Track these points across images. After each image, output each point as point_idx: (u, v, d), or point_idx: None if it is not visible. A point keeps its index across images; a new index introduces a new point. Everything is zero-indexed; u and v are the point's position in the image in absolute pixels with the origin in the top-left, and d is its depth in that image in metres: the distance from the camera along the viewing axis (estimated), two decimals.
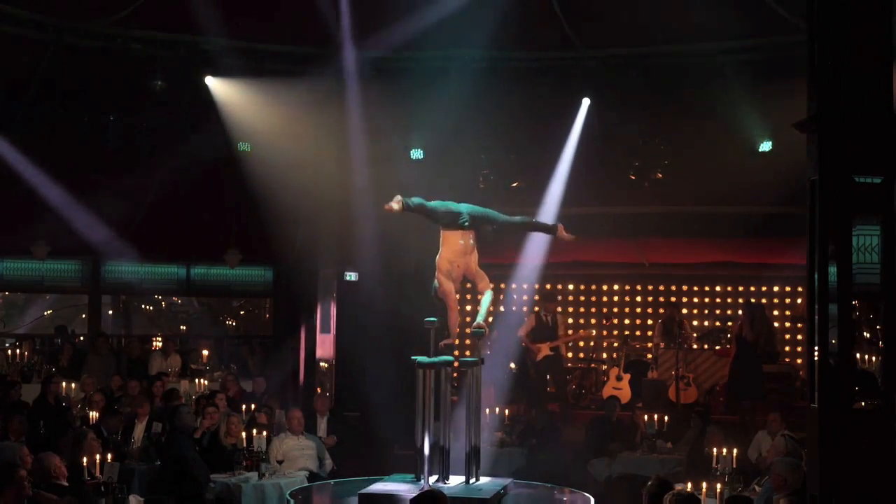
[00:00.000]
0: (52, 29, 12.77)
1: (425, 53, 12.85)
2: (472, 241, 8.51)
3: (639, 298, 16.64)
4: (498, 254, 14.70)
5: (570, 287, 16.73)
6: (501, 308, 15.86)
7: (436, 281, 8.43)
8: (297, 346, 15.61)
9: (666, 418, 12.10)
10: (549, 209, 14.11)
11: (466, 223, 8.43)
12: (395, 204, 8.29)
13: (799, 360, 15.16)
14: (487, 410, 12.14)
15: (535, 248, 14.26)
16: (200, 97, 13.84)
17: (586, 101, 13.66)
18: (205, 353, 15.71)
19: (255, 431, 10.06)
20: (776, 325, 15.53)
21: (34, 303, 20.50)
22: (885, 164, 5.98)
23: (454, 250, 8.46)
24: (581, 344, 16.36)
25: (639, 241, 15.57)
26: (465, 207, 8.52)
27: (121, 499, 8.01)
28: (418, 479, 8.03)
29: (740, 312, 15.10)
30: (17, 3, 12.36)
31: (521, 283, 15.51)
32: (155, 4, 12.53)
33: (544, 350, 14.37)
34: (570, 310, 16.64)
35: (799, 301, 15.61)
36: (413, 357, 8.19)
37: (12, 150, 13.70)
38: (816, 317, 5.96)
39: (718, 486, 8.18)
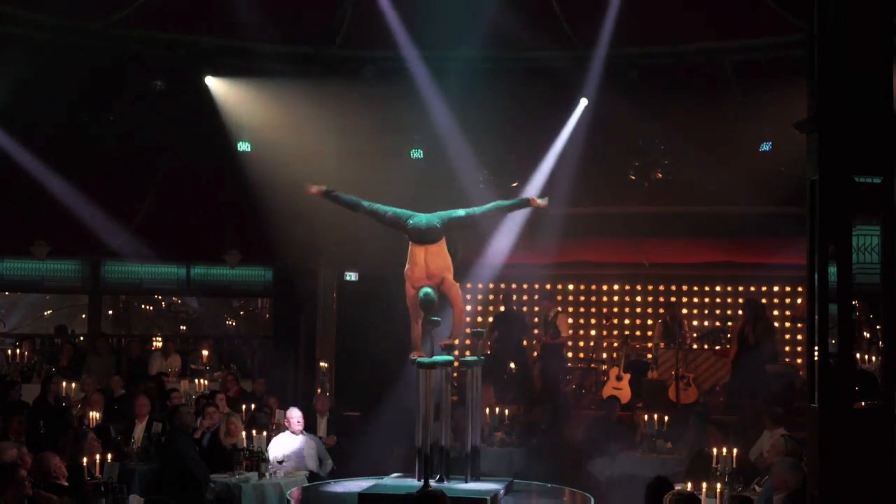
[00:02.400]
0: (52, 29, 12.77)
1: (425, 53, 12.84)
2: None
3: (639, 298, 16.63)
4: (491, 254, 14.75)
5: (570, 287, 16.72)
6: (502, 308, 15.88)
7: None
8: (297, 346, 15.62)
9: (666, 418, 12.10)
10: (549, 209, 14.10)
11: (433, 234, 8.37)
12: (316, 190, 8.68)
13: (799, 360, 15.16)
14: (487, 410, 12.15)
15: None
16: (200, 97, 13.83)
17: (584, 101, 13.67)
18: (205, 353, 15.71)
19: (254, 431, 10.07)
20: (776, 325, 15.54)
21: (21, 303, 20.51)
22: (885, 164, 5.97)
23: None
24: (581, 344, 16.39)
25: (639, 241, 15.58)
26: (424, 218, 8.42)
27: (121, 499, 8.01)
28: (418, 479, 8.03)
29: (740, 312, 15.11)
30: (17, 3, 12.35)
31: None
32: (155, 4, 12.51)
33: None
34: (571, 310, 16.65)
35: (799, 301, 15.61)
36: (413, 357, 8.19)
37: (12, 151, 13.68)
38: (816, 317, 5.96)
39: (718, 486, 8.18)
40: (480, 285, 15.78)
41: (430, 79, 12.99)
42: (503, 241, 14.27)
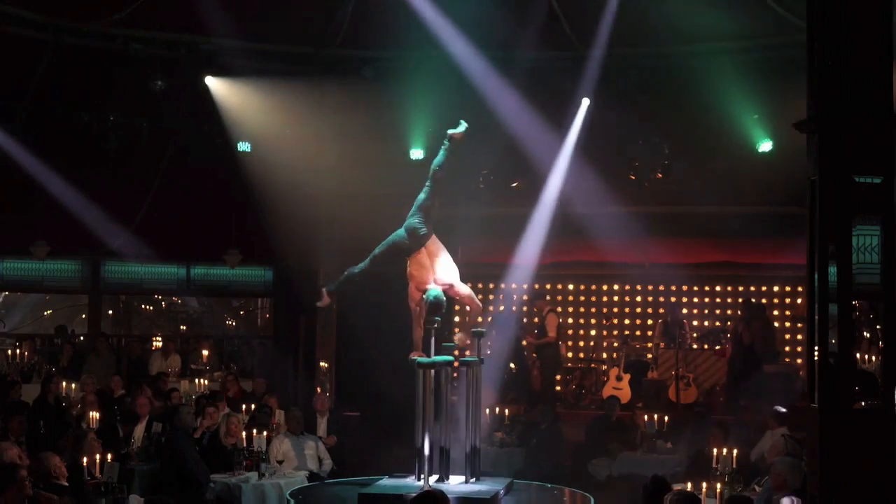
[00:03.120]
0: (52, 29, 12.77)
1: (425, 53, 12.85)
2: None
3: (639, 298, 16.63)
4: (491, 254, 14.74)
5: (570, 287, 16.72)
6: (501, 308, 15.88)
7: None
8: (297, 346, 15.61)
9: (666, 418, 12.10)
10: (548, 209, 14.13)
11: (421, 234, 8.40)
12: (326, 299, 8.91)
13: (799, 360, 15.16)
14: (487, 410, 12.15)
15: (531, 248, 14.29)
16: (200, 97, 13.83)
17: (586, 101, 13.67)
18: (205, 353, 15.71)
19: (255, 431, 10.07)
20: (776, 325, 15.54)
21: (27, 302, 20.51)
22: (885, 164, 5.98)
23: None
24: (581, 344, 16.40)
25: (639, 241, 15.56)
26: (402, 230, 8.48)
27: (121, 499, 8.01)
28: (418, 479, 8.03)
29: (739, 312, 15.13)
30: (16, 3, 12.35)
31: (510, 283, 15.54)
32: (155, 4, 12.52)
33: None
34: (570, 310, 16.65)
35: (799, 301, 15.61)
36: (413, 357, 8.18)
37: (12, 151, 13.69)
38: (816, 317, 5.96)
39: (718, 486, 8.18)
40: (480, 285, 15.79)
41: (429, 78, 12.98)
42: (509, 242, 14.29)
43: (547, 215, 14.16)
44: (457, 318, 14.56)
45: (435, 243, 8.45)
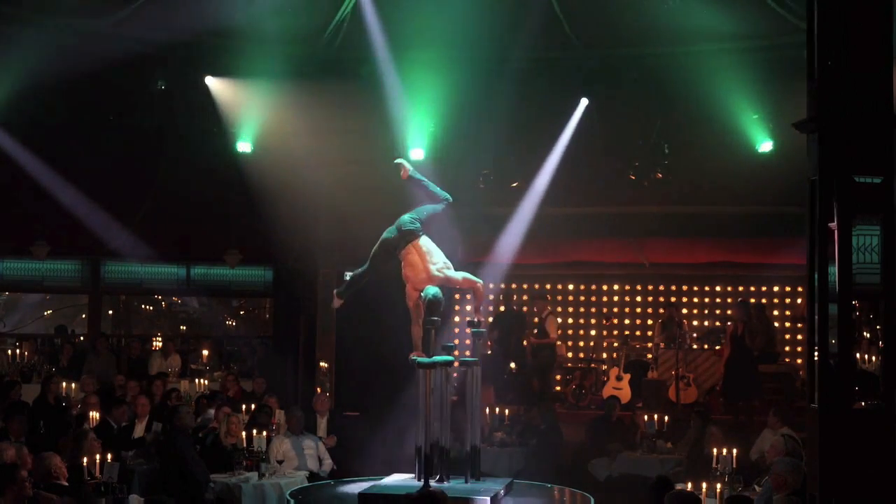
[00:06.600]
0: (52, 29, 12.76)
1: (425, 53, 12.84)
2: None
3: (639, 298, 16.64)
4: (492, 254, 14.74)
5: (570, 287, 16.73)
6: (502, 308, 15.87)
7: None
8: (297, 346, 15.62)
9: (666, 418, 12.10)
10: (549, 209, 14.13)
11: (406, 229, 8.41)
12: (337, 301, 8.87)
13: (799, 360, 15.17)
14: (487, 410, 12.16)
15: (532, 248, 14.30)
16: (200, 97, 13.83)
17: (585, 101, 13.66)
18: (205, 353, 15.71)
19: (255, 431, 10.07)
20: (776, 325, 15.54)
21: (33, 303, 20.51)
22: (885, 164, 5.98)
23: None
24: (581, 344, 16.40)
25: (639, 241, 15.58)
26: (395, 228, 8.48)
27: (121, 499, 8.01)
28: (418, 479, 8.03)
29: (729, 312, 15.17)
30: (17, 3, 12.35)
31: (510, 283, 15.55)
32: (155, 4, 12.51)
33: None
34: (570, 310, 16.66)
35: (799, 301, 15.62)
36: (413, 357, 8.18)
37: (12, 150, 13.68)
38: (816, 317, 5.96)
39: (718, 486, 8.18)
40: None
41: (429, 79, 12.98)
42: (509, 241, 14.28)
43: (548, 216, 14.16)
44: (468, 307, 14.58)
45: (427, 244, 8.43)
